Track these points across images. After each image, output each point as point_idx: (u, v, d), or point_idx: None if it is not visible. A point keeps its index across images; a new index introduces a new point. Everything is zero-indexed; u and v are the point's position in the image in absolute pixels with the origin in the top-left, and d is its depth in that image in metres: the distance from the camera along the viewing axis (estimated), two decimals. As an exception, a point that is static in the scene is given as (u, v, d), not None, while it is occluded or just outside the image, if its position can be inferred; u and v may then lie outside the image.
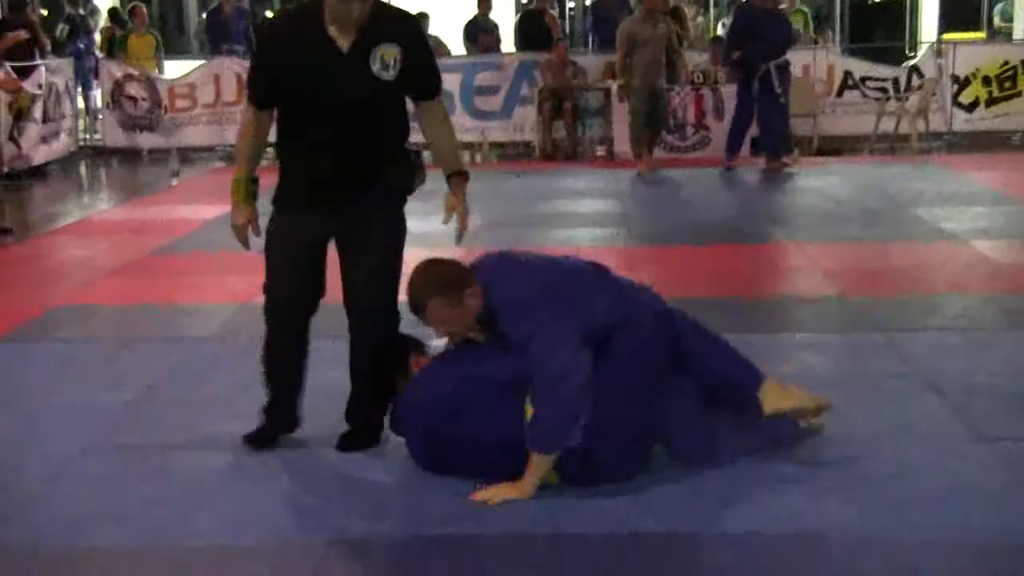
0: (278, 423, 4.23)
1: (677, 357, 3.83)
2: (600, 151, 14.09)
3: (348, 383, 4.18)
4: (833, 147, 13.40)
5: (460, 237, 4.16)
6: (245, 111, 4.00)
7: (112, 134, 14.36)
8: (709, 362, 3.86)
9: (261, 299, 4.15)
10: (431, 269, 3.74)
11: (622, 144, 13.20)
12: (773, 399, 3.84)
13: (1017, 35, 18.05)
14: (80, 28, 16.24)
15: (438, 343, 3.97)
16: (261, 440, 4.20)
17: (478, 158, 14.48)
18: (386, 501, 3.72)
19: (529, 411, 3.61)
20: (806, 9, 16.95)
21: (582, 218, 9.34)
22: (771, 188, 10.73)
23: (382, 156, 3.99)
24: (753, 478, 3.78)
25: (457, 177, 4.13)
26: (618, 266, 7.57)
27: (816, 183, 11.04)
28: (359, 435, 4.16)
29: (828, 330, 5.77)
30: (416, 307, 3.72)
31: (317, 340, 4.17)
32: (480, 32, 15.27)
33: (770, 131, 11.40)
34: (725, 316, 5.95)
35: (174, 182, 12.18)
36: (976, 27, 20.34)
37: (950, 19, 20.96)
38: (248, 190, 3.98)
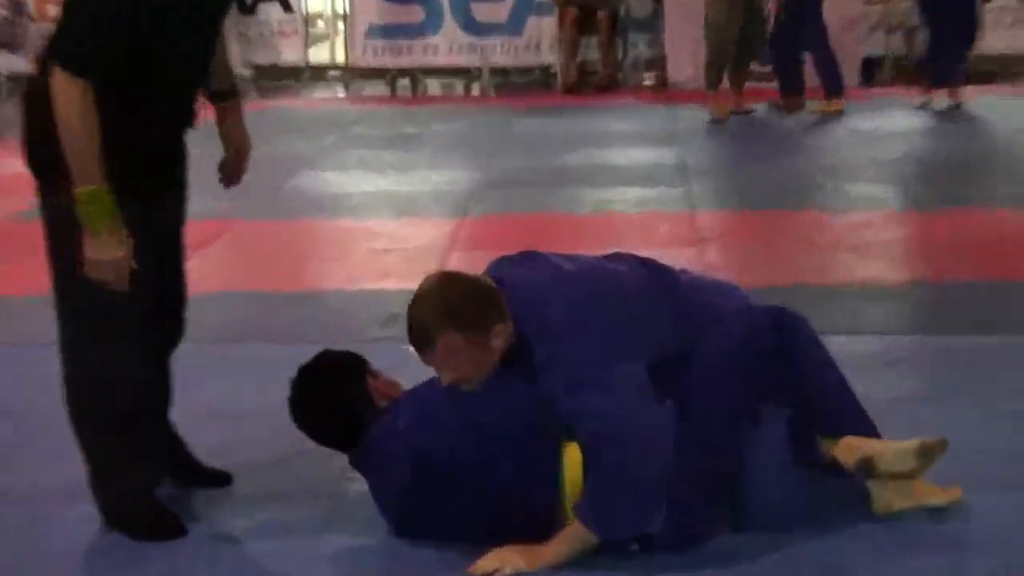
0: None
1: (775, 381, 3.83)
2: (648, 79, 14.09)
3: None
4: (983, 71, 13.33)
5: (236, 180, 4.21)
6: (74, 92, 3.56)
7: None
8: (808, 377, 3.84)
9: None
10: (450, 290, 3.62)
11: (679, 68, 13.19)
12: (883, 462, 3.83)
13: None
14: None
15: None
16: (166, 528, 3.97)
17: (475, 89, 14.48)
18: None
19: (572, 456, 3.64)
20: None
21: (623, 174, 9.35)
22: (889, 130, 10.70)
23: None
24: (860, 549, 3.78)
25: (234, 98, 4.15)
26: (675, 242, 7.77)
27: (957, 125, 10.99)
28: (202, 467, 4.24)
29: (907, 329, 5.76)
30: (421, 338, 3.60)
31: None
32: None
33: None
34: (825, 311, 5.97)
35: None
36: None
37: None
38: (115, 206, 3.63)
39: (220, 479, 4.26)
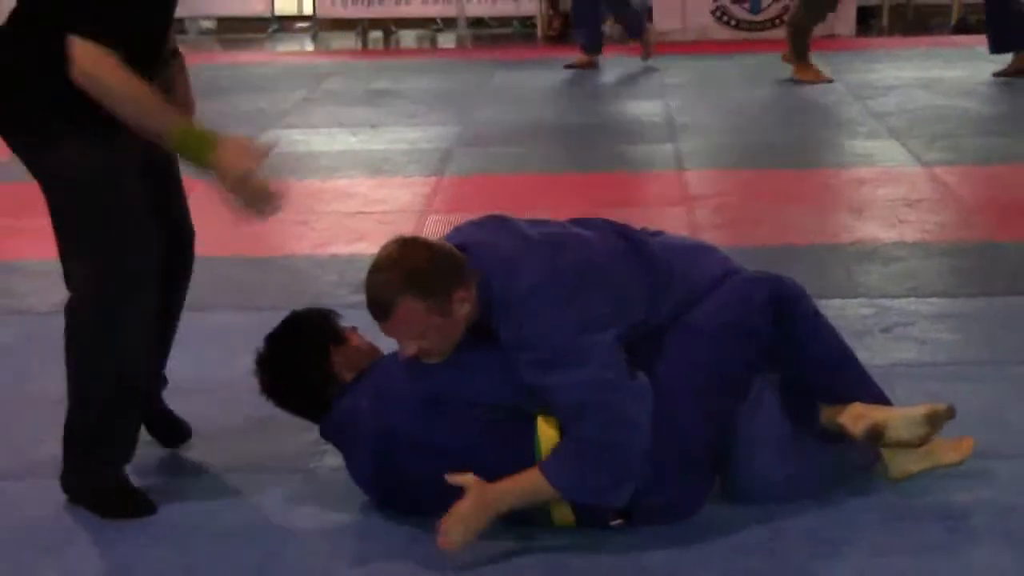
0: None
1: (771, 350, 3.86)
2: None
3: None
4: (981, 19, 13.35)
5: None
6: (109, 63, 3.62)
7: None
8: (810, 349, 3.90)
9: None
10: (409, 254, 3.63)
11: (666, 18, 13.20)
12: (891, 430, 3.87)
13: None
14: None
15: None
16: (135, 503, 4.03)
17: (451, 41, 14.47)
18: (328, 552, 3.77)
19: (545, 431, 3.66)
20: None
21: (608, 130, 9.36)
22: (886, 82, 10.73)
23: None
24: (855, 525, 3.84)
25: (179, 58, 4.23)
26: (663, 201, 7.79)
27: (955, 74, 11.04)
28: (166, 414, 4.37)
29: (971, 291, 5.80)
30: (380, 307, 3.62)
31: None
32: None
33: None
34: (814, 271, 6.00)
35: None
36: None
37: None
38: (209, 131, 3.78)
39: (180, 433, 4.38)
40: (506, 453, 3.68)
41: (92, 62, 3.59)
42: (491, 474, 3.63)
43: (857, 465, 3.97)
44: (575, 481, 3.60)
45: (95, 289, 3.81)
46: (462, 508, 3.58)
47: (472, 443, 3.70)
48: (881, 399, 3.94)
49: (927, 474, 3.93)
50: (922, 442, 3.85)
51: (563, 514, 3.71)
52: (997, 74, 10.58)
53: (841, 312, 5.41)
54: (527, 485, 3.62)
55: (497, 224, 3.86)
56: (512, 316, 3.60)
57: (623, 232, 3.93)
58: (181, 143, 3.71)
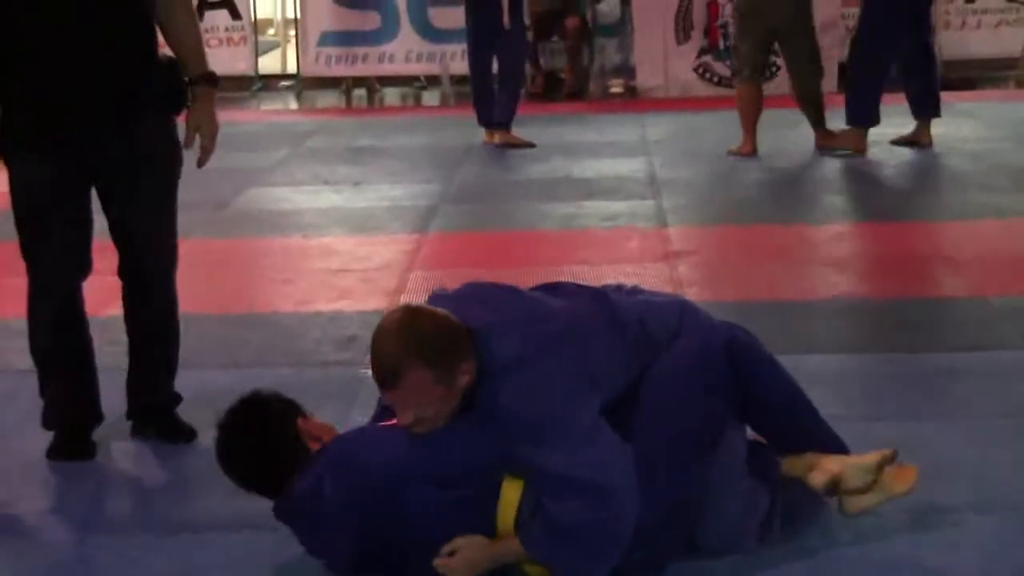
0: (83, 420, 4.80)
1: (731, 400, 3.88)
2: (616, 86, 14.14)
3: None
4: (962, 76, 13.46)
5: (203, 162, 4.71)
6: None
7: None
8: (765, 396, 3.93)
9: (110, 310, 4.73)
10: (420, 325, 3.63)
11: (649, 75, 13.26)
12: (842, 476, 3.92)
13: None
14: None
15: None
16: (71, 448, 4.76)
17: (435, 98, 14.51)
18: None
19: (507, 494, 3.66)
20: None
21: (591, 186, 9.37)
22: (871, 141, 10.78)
23: (138, 63, 4.56)
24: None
25: (205, 84, 4.68)
26: (646, 257, 7.81)
27: (937, 131, 11.07)
28: (171, 416, 4.86)
29: (960, 346, 5.81)
30: (388, 374, 3.61)
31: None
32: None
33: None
34: (807, 325, 6.02)
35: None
36: None
37: None
38: None
39: (185, 433, 4.83)
40: (468, 523, 3.67)
41: None
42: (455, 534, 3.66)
43: (814, 503, 4.01)
44: (560, 559, 3.62)
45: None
46: (468, 552, 3.63)
47: (436, 517, 3.68)
48: (834, 443, 4.01)
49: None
50: (871, 487, 3.95)
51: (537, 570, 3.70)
52: (894, 142, 10.48)
53: (825, 366, 5.42)
54: (508, 551, 3.67)
55: (475, 296, 3.85)
56: (497, 388, 3.59)
57: (598, 298, 3.94)
58: None
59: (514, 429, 3.58)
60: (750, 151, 10.10)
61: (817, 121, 10.19)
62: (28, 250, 4.65)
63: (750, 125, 10.09)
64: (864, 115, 10.00)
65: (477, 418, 3.64)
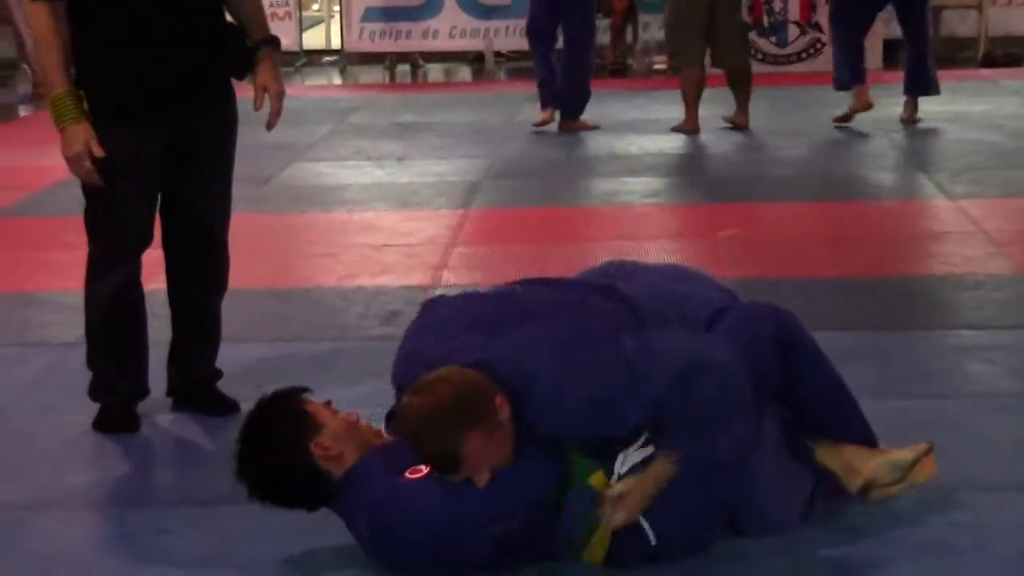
0: (132, 394, 4.83)
1: (774, 382, 3.87)
2: (659, 62, 14.09)
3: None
4: (1007, 53, 13.36)
5: (273, 124, 4.74)
6: (36, 13, 4.52)
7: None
8: (810, 386, 3.92)
9: (150, 284, 4.75)
10: (445, 395, 3.53)
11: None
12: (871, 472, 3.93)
13: None
14: None
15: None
16: (118, 421, 4.78)
17: (482, 73, 14.50)
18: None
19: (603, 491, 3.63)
20: None
21: (634, 163, 9.36)
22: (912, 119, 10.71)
23: (212, 32, 4.66)
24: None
25: (268, 47, 4.74)
26: (687, 233, 7.80)
27: (982, 108, 11.01)
28: (213, 390, 4.91)
29: (998, 323, 5.78)
30: (449, 462, 3.54)
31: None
32: None
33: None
34: (843, 304, 5.99)
35: (23, 111, 12.21)
36: None
37: None
38: (76, 106, 4.48)
39: (228, 406, 4.84)
40: (514, 552, 3.65)
41: (30, 11, 4.55)
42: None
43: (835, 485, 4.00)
44: (706, 445, 3.60)
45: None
46: (634, 495, 3.61)
47: (490, 552, 3.64)
48: (870, 437, 4.00)
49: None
50: (901, 482, 3.94)
51: (594, 552, 3.69)
52: (837, 119, 10.51)
53: (867, 344, 5.40)
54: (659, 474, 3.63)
55: (492, 330, 3.75)
56: (546, 403, 3.57)
57: (604, 291, 3.92)
58: (50, 104, 4.52)
59: (586, 421, 3.57)
60: (693, 128, 10.31)
61: (745, 100, 10.43)
62: (97, 220, 4.67)
63: (693, 104, 10.35)
64: (853, 76, 10.28)
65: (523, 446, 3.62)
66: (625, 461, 3.65)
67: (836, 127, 10.33)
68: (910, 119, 10.39)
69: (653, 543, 3.65)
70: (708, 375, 3.58)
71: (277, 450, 3.75)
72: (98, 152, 4.47)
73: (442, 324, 3.82)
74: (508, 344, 3.65)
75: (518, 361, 3.60)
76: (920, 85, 10.35)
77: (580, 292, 3.93)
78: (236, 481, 3.80)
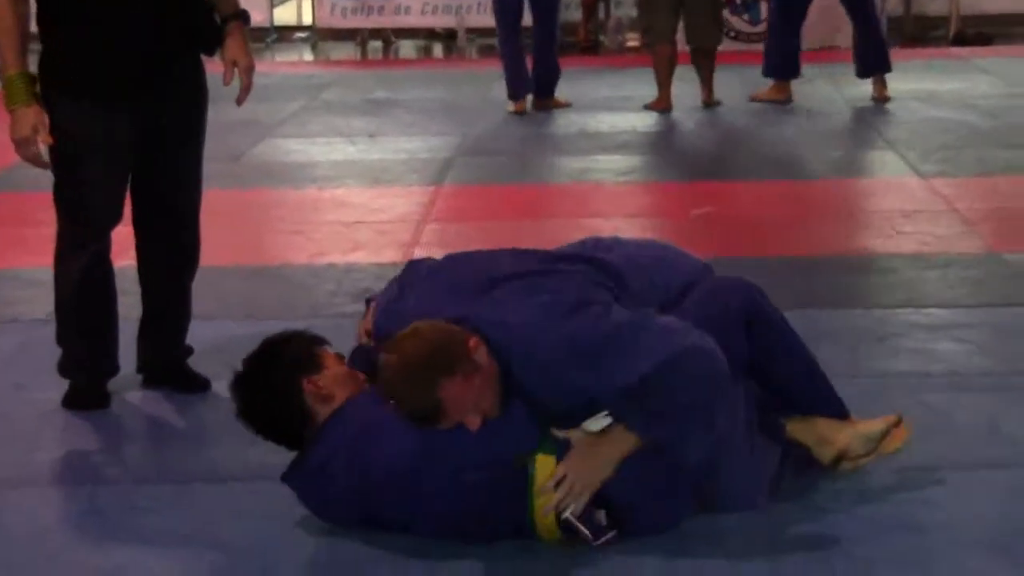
0: (102, 371, 4.83)
1: (743, 366, 3.89)
2: (632, 40, 14.09)
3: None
4: (979, 32, 13.40)
5: (243, 99, 4.73)
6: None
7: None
8: (779, 361, 3.95)
9: (120, 261, 4.75)
10: (414, 349, 3.54)
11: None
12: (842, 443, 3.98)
13: None
14: None
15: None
16: (88, 399, 4.79)
17: (454, 50, 14.49)
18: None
19: (542, 469, 3.63)
20: None
21: (605, 141, 9.37)
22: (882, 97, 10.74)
23: (182, 9, 4.61)
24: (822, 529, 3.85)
25: (236, 21, 4.73)
26: (660, 211, 7.81)
27: (953, 87, 11.05)
28: (184, 367, 4.93)
29: (969, 302, 5.80)
30: (427, 413, 3.55)
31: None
32: None
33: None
34: (810, 282, 6.02)
35: None
36: None
37: None
38: (27, 89, 4.45)
39: (200, 383, 4.88)
40: (483, 507, 3.65)
41: None
42: (484, 526, 3.66)
43: (805, 457, 4.03)
44: (675, 431, 3.61)
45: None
46: (577, 472, 3.60)
47: (450, 503, 3.66)
48: (841, 410, 4.04)
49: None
50: (874, 453, 4.00)
51: (548, 528, 3.68)
52: (753, 98, 10.60)
53: (838, 322, 5.43)
54: (621, 442, 3.62)
55: (455, 285, 3.79)
56: (523, 359, 3.58)
57: (583, 258, 3.95)
58: (5, 85, 4.47)
59: (563, 374, 3.56)
60: (665, 106, 10.31)
61: (709, 78, 10.46)
62: (65, 198, 4.65)
63: (666, 81, 10.34)
64: (784, 69, 10.41)
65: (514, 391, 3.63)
66: (590, 424, 3.66)
67: (751, 99, 10.51)
68: (880, 97, 10.41)
69: (603, 524, 3.66)
70: (692, 365, 3.57)
71: (272, 374, 3.83)
72: (46, 139, 4.46)
73: (426, 282, 3.85)
74: (491, 301, 3.67)
75: (500, 317, 3.61)
76: (875, 64, 10.37)
77: (564, 258, 3.95)
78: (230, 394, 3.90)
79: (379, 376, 3.63)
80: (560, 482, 3.60)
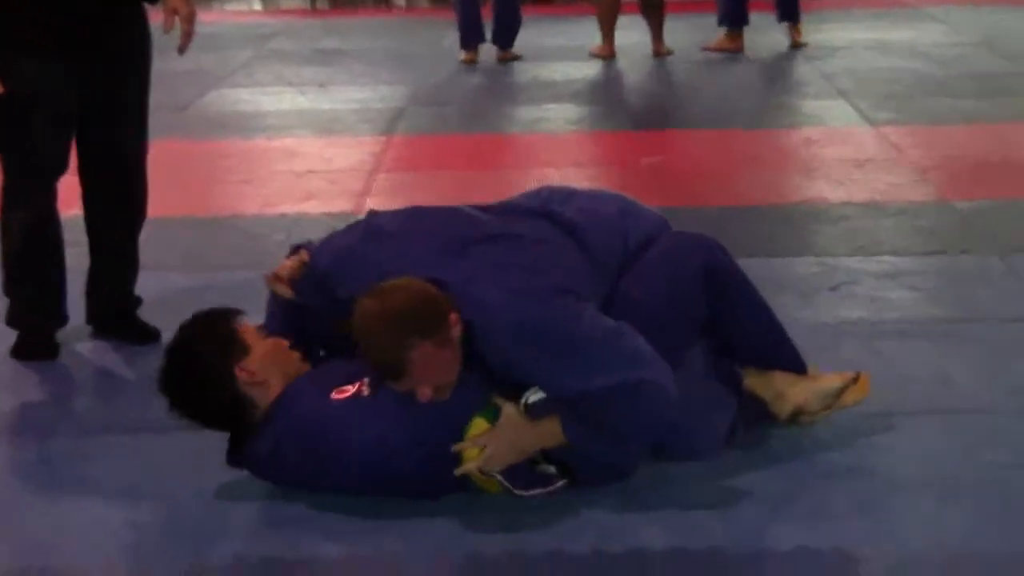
0: (51, 322, 4.82)
1: (701, 320, 3.92)
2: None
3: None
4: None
5: (184, 47, 4.70)
6: None
7: None
8: (740, 317, 3.98)
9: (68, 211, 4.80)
10: (395, 304, 3.52)
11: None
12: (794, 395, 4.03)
13: None
14: None
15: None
16: (37, 349, 4.78)
17: (403, 0, 14.42)
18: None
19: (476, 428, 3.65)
20: None
21: (558, 90, 9.35)
22: (836, 43, 10.75)
23: None
24: (783, 475, 3.87)
25: None
26: (612, 160, 7.82)
27: (904, 35, 11.08)
28: (134, 318, 4.92)
29: (920, 250, 5.84)
30: (393, 367, 3.54)
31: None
32: None
33: None
34: (762, 231, 6.05)
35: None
36: None
37: None
38: None
39: (149, 334, 4.85)
40: (447, 463, 3.65)
41: None
42: (432, 484, 3.68)
43: (762, 411, 4.07)
44: (589, 441, 3.64)
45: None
46: (498, 444, 3.61)
47: (409, 469, 3.67)
48: (799, 364, 4.07)
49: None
50: (831, 408, 4.04)
51: (484, 481, 3.69)
52: (704, 48, 10.66)
53: (790, 271, 5.46)
54: (547, 435, 3.64)
55: (421, 237, 3.79)
56: (489, 330, 3.57)
57: (543, 212, 3.94)
58: None
59: (537, 356, 3.56)
60: (609, 53, 10.36)
61: (658, 29, 10.48)
62: (10, 149, 4.64)
63: (609, 31, 10.41)
64: (736, 17, 10.46)
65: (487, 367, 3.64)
66: (531, 394, 3.67)
67: (702, 49, 10.53)
68: (795, 43, 10.54)
69: (552, 473, 3.69)
70: (643, 400, 3.57)
71: (201, 369, 3.76)
72: None
73: (396, 239, 3.81)
74: (464, 266, 3.66)
75: (474, 291, 3.59)
76: (784, 13, 10.57)
77: (527, 214, 3.94)
78: (159, 394, 3.81)
79: (355, 317, 3.57)
80: (481, 449, 3.62)
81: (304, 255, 3.92)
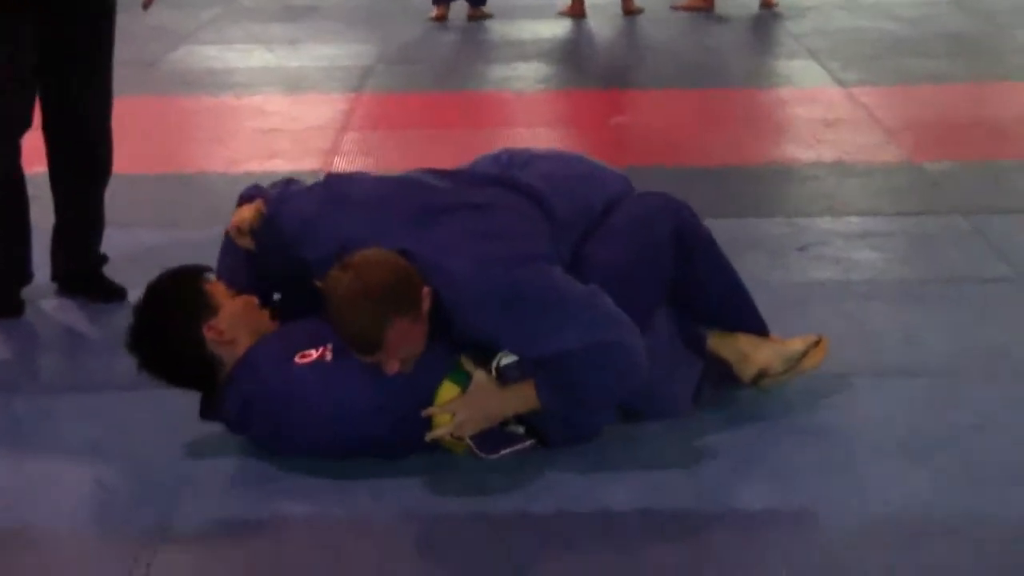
0: (15, 279, 4.79)
1: (666, 274, 3.93)
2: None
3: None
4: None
5: (148, 2, 4.78)
6: None
7: None
8: (706, 281, 4.00)
9: (32, 168, 4.72)
10: (372, 279, 3.50)
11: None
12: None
13: None
14: None
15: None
16: (1, 306, 4.73)
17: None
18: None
19: (443, 395, 3.64)
20: None
21: (527, 49, 9.33)
22: (805, 3, 10.75)
23: None
24: (749, 439, 3.89)
25: None
26: (582, 120, 7.81)
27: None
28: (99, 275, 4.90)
29: (888, 211, 5.85)
30: (371, 343, 3.52)
31: None
32: None
33: None
34: (730, 191, 6.05)
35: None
36: None
37: None
38: None
39: (115, 291, 4.83)
40: (415, 426, 3.65)
41: None
42: (399, 446, 3.69)
43: (725, 373, 4.09)
44: (562, 405, 3.64)
45: None
46: (470, 410, 3.61)
47: (377, 434, 3.69)
48: (762, 326, 4.10)
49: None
50: (794, 371, 4.06)
51: (451, 443, 3.69)
52: (674, 7, 10.68)
53: (758, 231, 5.47)
54: (525, 399, 3.64)
55: (383, 205, 3.77)
56: (461, 303, 3.57)
57: (504, 179, 3.94)
58: None
59: (491, 325, 3.58)
60: (578, 12, 10.39)
61: None
62: None
63: None
64: None
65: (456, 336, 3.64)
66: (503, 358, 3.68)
67: (672, 8, 10.55)
68: (765, 3, 10.56)
69: (520, 433, 3.70)
70: (615, 359, 3.60)
71: (169, 328, 3.75)
72: None
73: (360, 204, 3.79)
74: (431, 236, 3.64)
75: (442, 262, 3.59)
76: None
77: (487, 181, 3.93)
78: (126, 352, 3.80)
79: (329, 290, 3.54)
80: (452, 415, 3.62)
81: (260, 204, 3.89)
